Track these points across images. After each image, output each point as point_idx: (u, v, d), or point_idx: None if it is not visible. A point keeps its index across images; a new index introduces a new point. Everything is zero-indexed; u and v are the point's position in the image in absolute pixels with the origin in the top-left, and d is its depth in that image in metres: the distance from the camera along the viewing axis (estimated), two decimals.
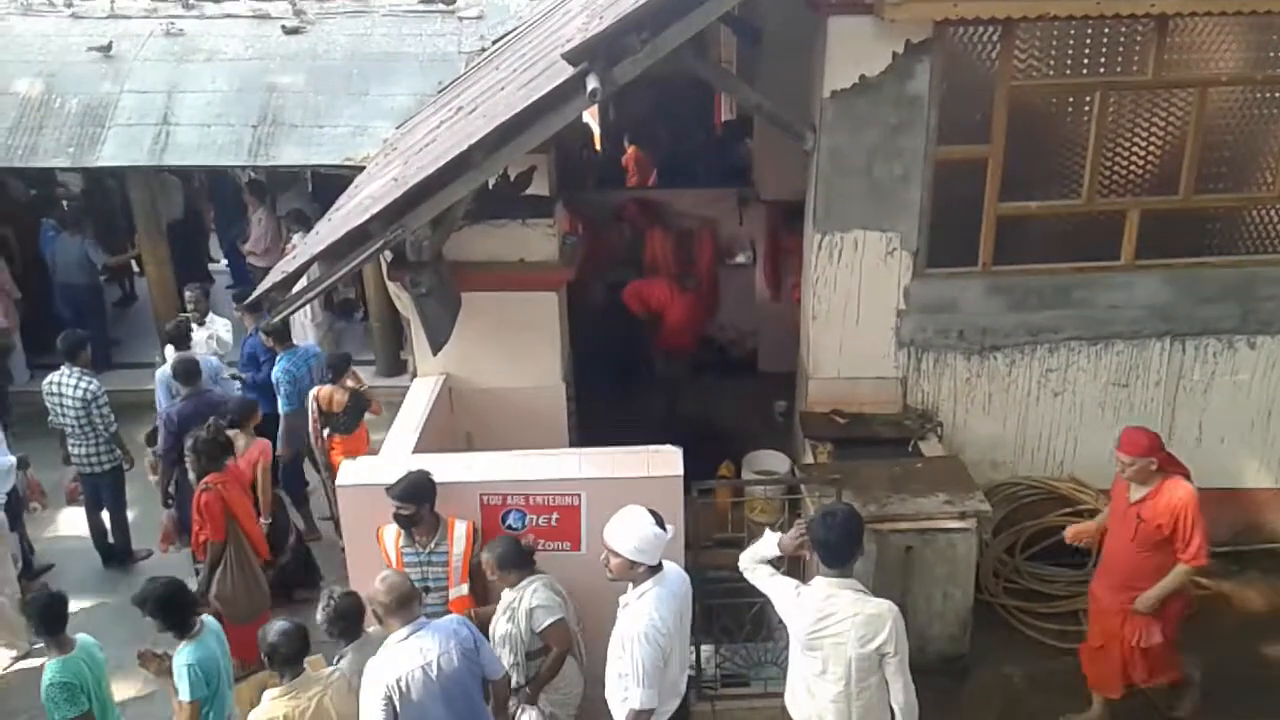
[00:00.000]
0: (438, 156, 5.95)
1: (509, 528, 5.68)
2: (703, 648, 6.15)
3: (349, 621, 4.95)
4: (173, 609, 5.09)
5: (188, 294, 9.18)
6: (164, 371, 8.24)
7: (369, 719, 4.54)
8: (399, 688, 4.49)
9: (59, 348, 7.92)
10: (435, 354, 6.61)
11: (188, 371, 7.63)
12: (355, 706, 4.64)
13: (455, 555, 5.47)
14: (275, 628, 4.63)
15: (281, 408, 8.09)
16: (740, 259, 10.05)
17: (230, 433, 7.12)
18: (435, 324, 6.39)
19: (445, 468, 5.70)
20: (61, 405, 7.76)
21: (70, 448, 7.96)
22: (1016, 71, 6.44)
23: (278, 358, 8.20)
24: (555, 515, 5.64)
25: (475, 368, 7.17)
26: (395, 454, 6.27)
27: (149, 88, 10.21)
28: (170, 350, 8.46)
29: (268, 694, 4.61)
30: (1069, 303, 6.93)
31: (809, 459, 6.93)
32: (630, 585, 4.70)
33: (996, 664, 6.48)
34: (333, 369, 7.94)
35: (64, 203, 12.45)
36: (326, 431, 7.81)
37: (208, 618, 5.31)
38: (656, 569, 4.68)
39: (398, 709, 4.50)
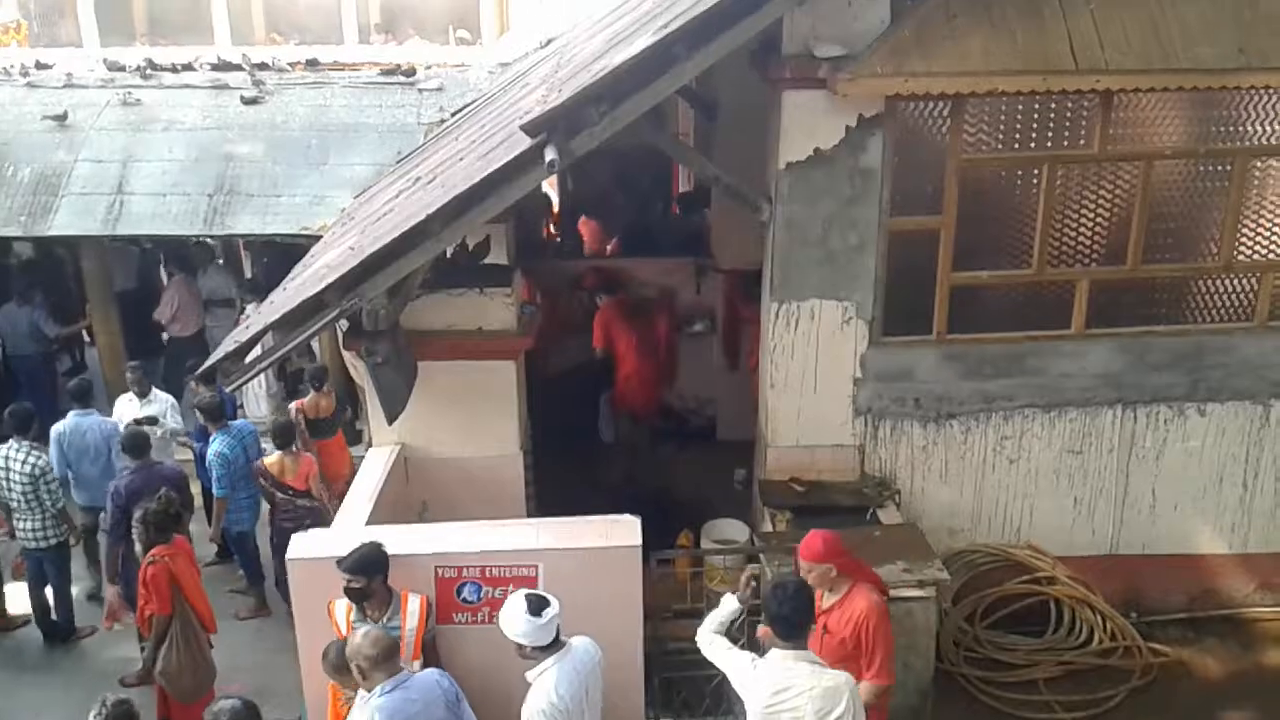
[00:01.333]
0: (395, 225, 5.95)
1: (464, 601, 5.58)
2: None
3: None
4: None
5: (129, 374, 8.99)
6: (57, 428, 8.11)
7: None
8: None
9: (7, 421, 7.75)
10: (391, 424, 6.54)
11: (136, 445, 7.48)
12: None
13: (409, 630, 5.35)
14: (226, 706, 4.48)
15: (215, 491, 7.97)
16: (698, 327, 10.10)
17: (268, 460, 7.74)
18: (391, 394, 6.33)
19: (399, 539, 5.61)
20: (9, 479, 7.57)
21: (15, 522, 7.75)
22: (967, 145, 6.58)
23: (211, 437, 8.08)
24: (511, 587, 5.53)
25: (432, 437, 7.10)
26: (349, 526, 6.16)
27: (104, 156, 10.13)
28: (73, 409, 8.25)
29: None
30: (1022, 371, 7.02)
31: (768, 527, 6.90)
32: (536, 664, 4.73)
33: None
34: (316, 379, 8.74)
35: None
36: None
37: None
38: (559, 646, 4.74)
39: None
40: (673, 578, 6.71)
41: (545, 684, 4.66)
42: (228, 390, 6.94)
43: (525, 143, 5.57)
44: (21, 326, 10.75)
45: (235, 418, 8.64)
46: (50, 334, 10.87)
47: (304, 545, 5.74)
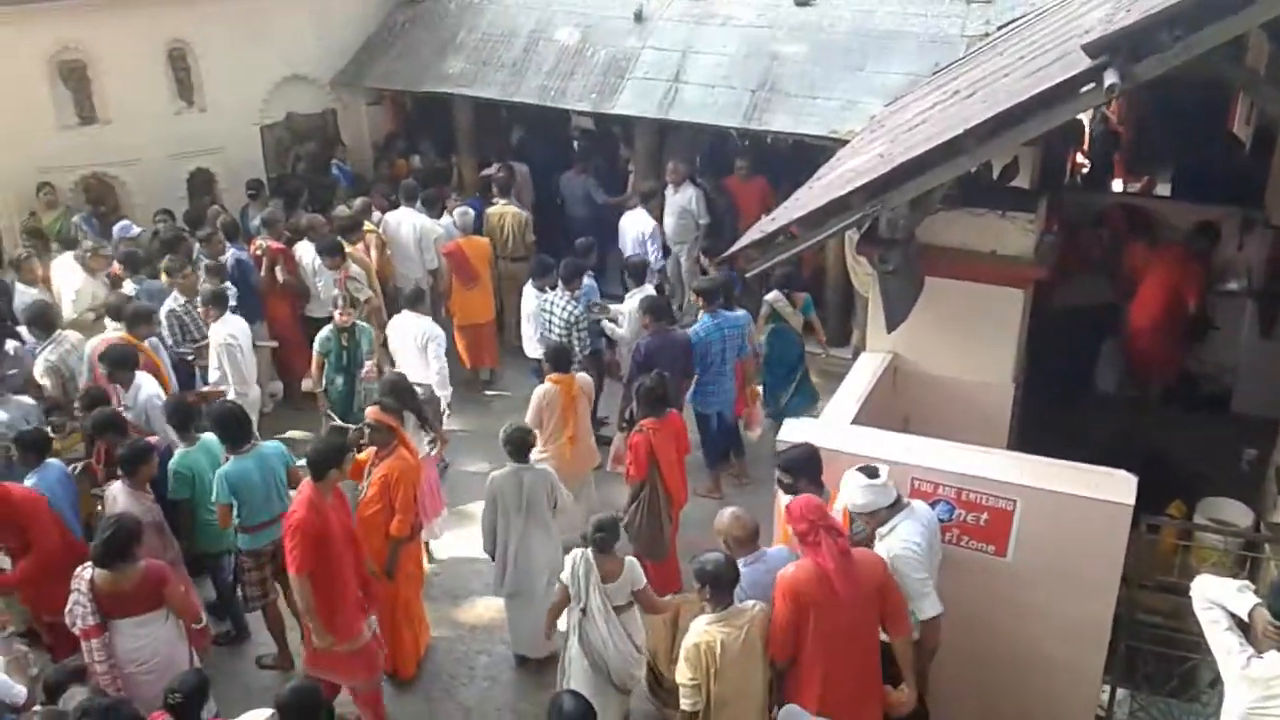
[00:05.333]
0: (929, 137, 5.96)
1: (938, 519, 5.61)
2: (1118, 691, 5.79)
3: (514, 446, 6.61)
4: (222, 426, 6.65)
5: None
6: None
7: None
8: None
9: (562, 270, 8.93)
10: (890, 332, 6.66)
11: (657, 308, 8.28)
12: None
13: None
14: (714, 558, 4.95)
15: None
16: (1232, 285, 9.11)
17: None
18: (896, 302, 6.44)
19: (882, 444, 5.77)
20: (550, 322, 8.78)
21: None
22: None
23: (700, 317, 8.52)
24: (985, 515, 5.52)
25: (925, 352, 7.12)
26: (834, 421, 6.44)
27: (667, 46, 11.04)
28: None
29: (701, 619, 4.93)
30: None
31: None
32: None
33: None
34: None
35: (574, 143, 13.65)
36: None
37: (268, 443, 6.81)
38: (902, 505, 5.25)
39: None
40: (1156, 546, 6.29)
41: (898, 535, 5.16)
42: (748, 275, 7.37)
43: (1080, 64, 5.29)
44: (577, 192, 12.10)
45: (732, 307, 8.97)
46: (599, 201, 12.11)
47: (793, 429, 6.09)
